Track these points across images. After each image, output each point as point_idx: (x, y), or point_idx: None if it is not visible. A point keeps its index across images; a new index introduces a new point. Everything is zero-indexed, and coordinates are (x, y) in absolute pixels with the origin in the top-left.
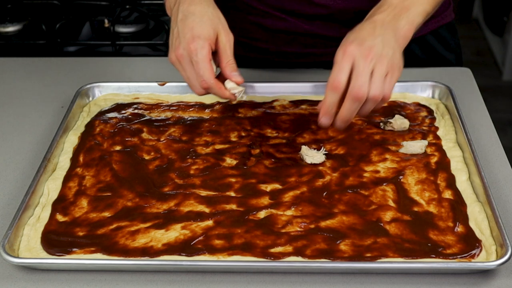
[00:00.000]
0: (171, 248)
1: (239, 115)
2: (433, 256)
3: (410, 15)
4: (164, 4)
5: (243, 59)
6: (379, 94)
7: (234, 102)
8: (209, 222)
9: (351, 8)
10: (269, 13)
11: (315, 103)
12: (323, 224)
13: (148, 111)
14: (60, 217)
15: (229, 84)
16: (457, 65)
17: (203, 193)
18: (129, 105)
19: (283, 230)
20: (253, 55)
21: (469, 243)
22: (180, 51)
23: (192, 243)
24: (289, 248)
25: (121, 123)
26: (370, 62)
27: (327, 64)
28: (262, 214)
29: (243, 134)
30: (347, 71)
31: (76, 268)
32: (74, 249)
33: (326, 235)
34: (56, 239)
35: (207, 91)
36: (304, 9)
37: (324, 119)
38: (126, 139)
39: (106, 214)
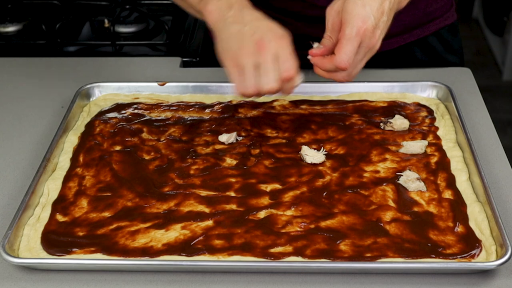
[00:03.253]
0: (171, 248)
1: (239, 115)
2: (433, 256)
3: None
4: (205, 19)
5: None
6: (353, 77)
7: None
8: (209, 222)
9: None
10: (271, 15)
11: (315, 103)
12: (323, 224)
13: (148, 111)
14: (60, 217)
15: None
16: (460, 66)
17: (203, 193)
18: (129, 105)
19: (283, 230)
20: None
21: (469, 243)
22: (265, 44)
23: (192, 243)
24: (289, 248)
25: (121, 123)
26: (367, 52)
27: None
28: (262, 214)
29: (243, 134)
30: (355, 51)
31: (76, 268)
32: (74, 249)
33: (326, 235)
34: (56, 239)
35: (283, 83)
36: (307, 12)
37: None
38: (126, 139)
39: (106, 214)
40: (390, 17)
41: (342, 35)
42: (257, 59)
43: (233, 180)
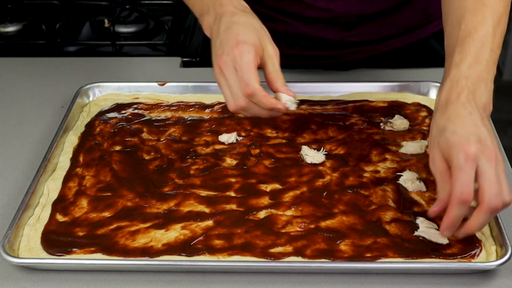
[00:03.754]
0: (171, 248)
1: (239, 115)
2: (433, 256)
3: (488, 84)
4: (201, 26)
5: None
6: (510, 199)
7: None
8: (209, 222)
9: (352, 12)
10: (270, 16)
11: (315, 103)
12: (323, 224)
13: (148, 111)
14: (60, 217)
15: (284, 97)
16: None
17: (203, 193)
18: (129, 105)
19: (283, 230)
20: None
21: (469, 243)
22: (223, 58)
23: (192, 243)
24: (289, 248)
25: (121, 123)
26: (496, 164)
27: (327, 66)
28: (262, 214)
29: (243, 134)
30: (473, 178)
31: (76, 268)
32: (74, 249)
33: (326, 235)
34: (56, 239)
35: (250, 99)
36: (305, 12)
37: (447, 233)
38: (126, 139)
39: (106, 214)
40: (486, 121)
41: (452, 170)
42: (223, 77)
43: (233, 180)
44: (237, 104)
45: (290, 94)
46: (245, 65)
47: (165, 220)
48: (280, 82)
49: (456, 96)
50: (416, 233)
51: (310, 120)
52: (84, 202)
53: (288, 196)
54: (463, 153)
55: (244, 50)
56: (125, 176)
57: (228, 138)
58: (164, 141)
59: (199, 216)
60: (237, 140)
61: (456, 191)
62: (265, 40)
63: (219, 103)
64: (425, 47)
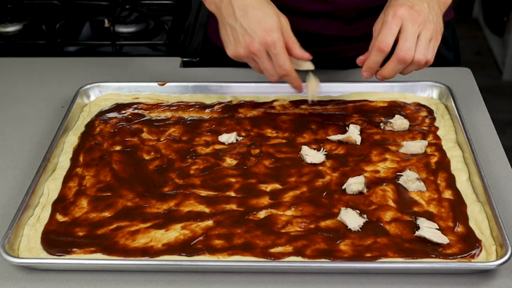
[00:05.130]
0: (171, 248)
1: (239, 115)
2: (433, 256)
3: None
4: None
5: None
6: (423, 58)
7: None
8: (209, 222)
9: (355, 5)
10: None
11: (315, 103)
12: (323, 224)
13: (148, 111)
14: (60, 217)
15: (304, 65)
16: (456, 63)
17: (203, 193)
18: (129, 105)
19: (283, 230)
20: None
21: (469, 243)
22: (256, 46)
23: (192, 243)
24: (289, 248)
25: (121, 123)
26: (418, 27)
27: (330, 63)
28: (262, 214)
29: (243, 134)
30: (395, 32)
31: (76, 268)
32: (74, 249)
33: (326, 235)
34: (56, 239)
35: (283, 78)
36: (307, 7)
37: (366, 74)
38: (126, 139)
39: (106, 214)
40: (436, 7)
41: (381, 25)
42: (253, 58)
43: (233, 180)
44: (272, 79)
45: (305, 57)
46: (280, 53)
47: (165, 220)
48: (297, 48)
49: None
50: (416, 233)
51: (310, 120)
52: (84, 202)
53: (288, 196)
54: (393, 12)
55: (275, 39)
56: (125, 176)
57: (228, 138)
58: (164, 141)
59: (199, 216)
60: (237, 140)
61: (378, 39)
62: (279, 15)
63: (219, 103)
64: None
